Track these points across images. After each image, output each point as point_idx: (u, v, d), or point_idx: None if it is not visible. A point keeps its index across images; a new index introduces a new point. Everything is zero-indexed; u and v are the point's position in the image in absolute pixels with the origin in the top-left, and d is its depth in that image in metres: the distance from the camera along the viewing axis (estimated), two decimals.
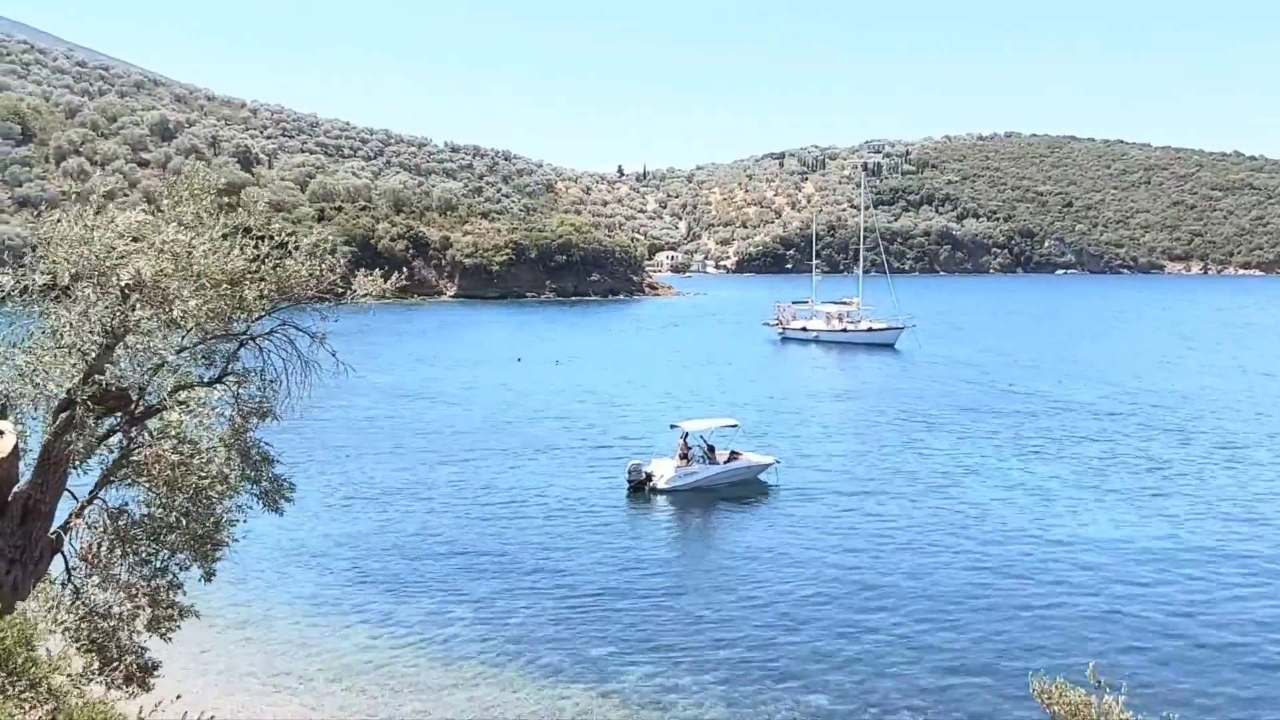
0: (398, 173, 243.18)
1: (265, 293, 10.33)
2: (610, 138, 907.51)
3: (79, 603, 9.83)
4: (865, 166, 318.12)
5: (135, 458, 9.55)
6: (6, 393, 9.00)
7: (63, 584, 9.87)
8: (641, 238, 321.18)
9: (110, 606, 10.05)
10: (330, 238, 10.81)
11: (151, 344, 9.07)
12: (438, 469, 38.47)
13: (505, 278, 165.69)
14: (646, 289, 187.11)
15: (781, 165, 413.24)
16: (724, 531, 31.09)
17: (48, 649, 7.17)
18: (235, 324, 10.19)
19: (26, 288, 8.80)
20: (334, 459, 39.86)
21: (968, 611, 23.21)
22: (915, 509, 32.36)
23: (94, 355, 8.95)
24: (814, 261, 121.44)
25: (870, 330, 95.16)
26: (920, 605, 23.52)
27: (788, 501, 33.47)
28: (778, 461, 36.42)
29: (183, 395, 9.82)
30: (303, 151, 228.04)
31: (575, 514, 32.10)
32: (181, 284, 9.01)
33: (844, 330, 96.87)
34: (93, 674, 9.65)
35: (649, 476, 34.72)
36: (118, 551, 9.89)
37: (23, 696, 6.52)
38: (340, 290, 11.36)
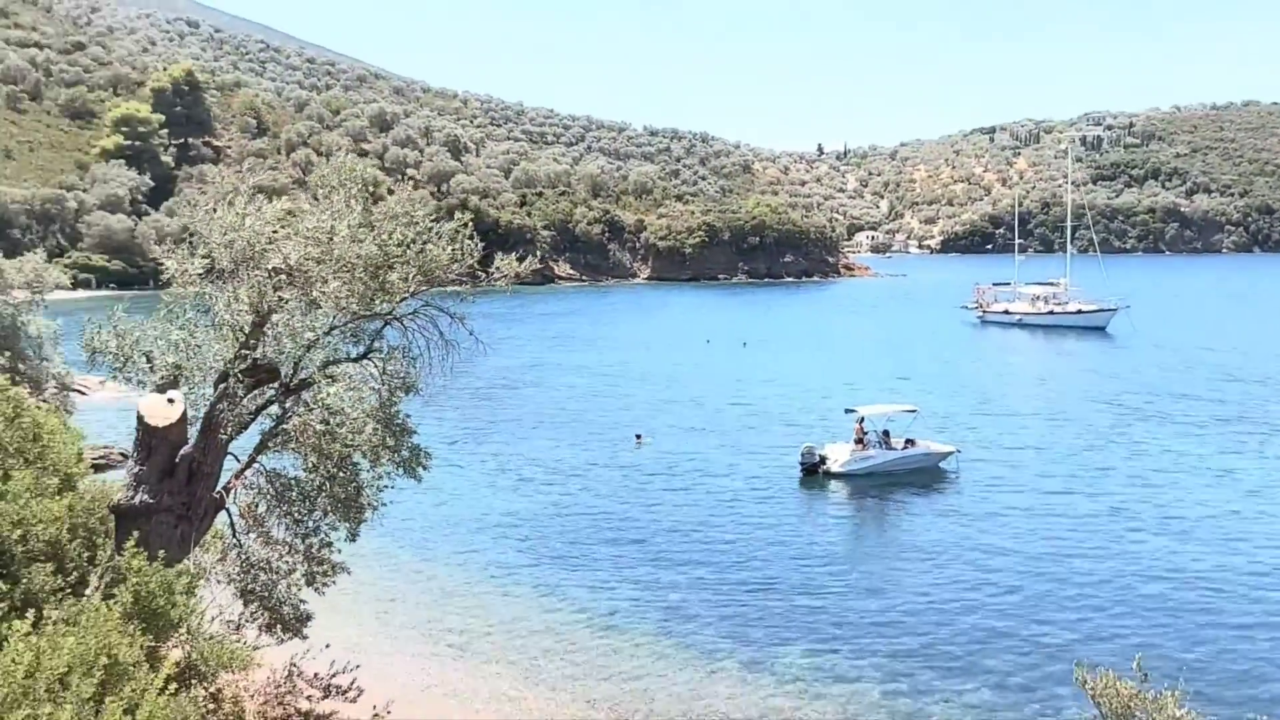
0: (596, 158, 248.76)
1: (409, 276, 11.03)
2: (811, 117, 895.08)
3: (241, 556, 10.88)
4: (1083, 140, 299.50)
5: (287, 426, 10.45)
6: (178, 364, 10.05)
7: (224, 540, 10.94)
8: (840, 218, 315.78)
9: (269, 561, 11.05)
10: (469, 224, 11.36)
11: (295, 322, 9.90)
12: (617, 447, 39.39)
13: (698, 260, 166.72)
14: (842, 270, 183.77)
15: (992, 140, 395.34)
16: (897, 520, 30.40)
17: (181, 596, 7.98)
18: (379, 305, 10.90)
19: (186, 270, 9.82)
20: (520, 436, 41.55)
21: (1146, 624, 21.77)
22: (1107, 508, 30.37)
23: (245, 332, 9.88)
24: (1017, 240, 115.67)
25: (1079, 312, 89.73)
26: (1096, 615, 22.02)
27: (966, 493, 32.29)
28: (958, 451, 35.16)
29: (331, 370, 10.65)
30: (509, 139, 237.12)
31: (748, 494, 32.24)
32: (323, 268, 9.78)
33: (1050, 313, 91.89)
34: (248, 620, 10.66)
35: (823, 460, 34.32)
36: (275, 511, 10.87)
37: (162, 635, 7.35)
38: (480, 274, 12.00)
